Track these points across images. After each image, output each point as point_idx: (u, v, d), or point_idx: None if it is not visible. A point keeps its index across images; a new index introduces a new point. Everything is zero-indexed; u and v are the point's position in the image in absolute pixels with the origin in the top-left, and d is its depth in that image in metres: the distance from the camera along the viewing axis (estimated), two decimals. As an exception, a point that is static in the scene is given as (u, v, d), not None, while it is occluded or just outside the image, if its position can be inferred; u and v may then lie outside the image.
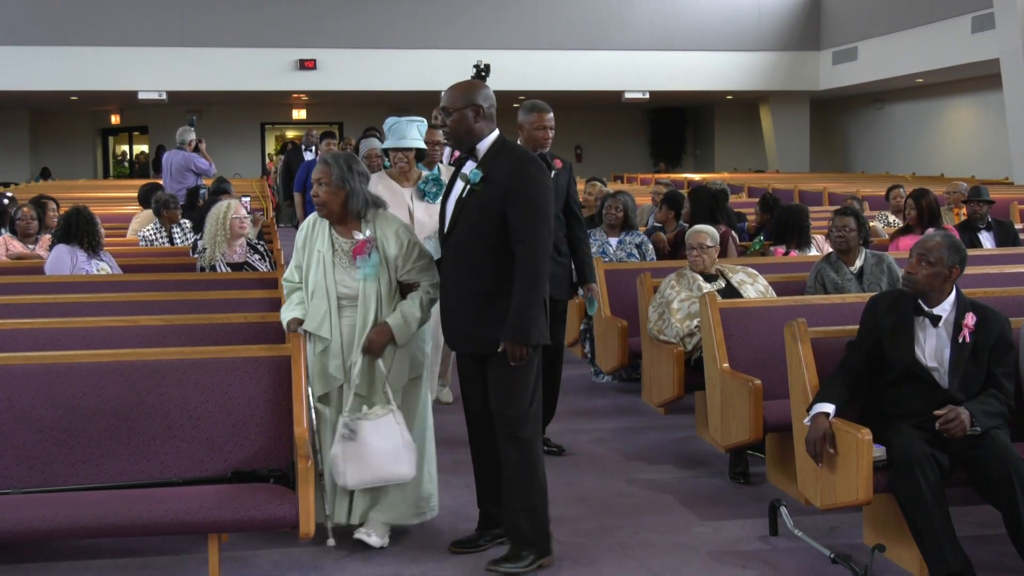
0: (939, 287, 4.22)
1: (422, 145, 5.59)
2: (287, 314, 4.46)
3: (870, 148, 27.55)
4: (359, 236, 4.34)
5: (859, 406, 4.31)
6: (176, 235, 8.50)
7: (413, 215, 5.54)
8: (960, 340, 4.18)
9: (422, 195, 5.57)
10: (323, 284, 4.37)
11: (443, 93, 4.24)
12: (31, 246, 7.79)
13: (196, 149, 11.67)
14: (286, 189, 13.91)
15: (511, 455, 4.19)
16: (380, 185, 5.47)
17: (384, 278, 4.35)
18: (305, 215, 9.54)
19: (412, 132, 5.50)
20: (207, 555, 4.01)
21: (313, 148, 13.31)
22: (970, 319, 4.18)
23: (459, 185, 4.23)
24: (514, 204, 4.06)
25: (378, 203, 4.45)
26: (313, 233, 4.45)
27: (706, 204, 7.73)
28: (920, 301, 4.26)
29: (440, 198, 5.28)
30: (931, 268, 4.20)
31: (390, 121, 5.51)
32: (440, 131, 6.35)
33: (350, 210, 4.34)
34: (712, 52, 24.75)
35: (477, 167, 4.17)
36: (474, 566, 4.31)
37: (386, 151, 5.70)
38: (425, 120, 5.67)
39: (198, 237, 7.32)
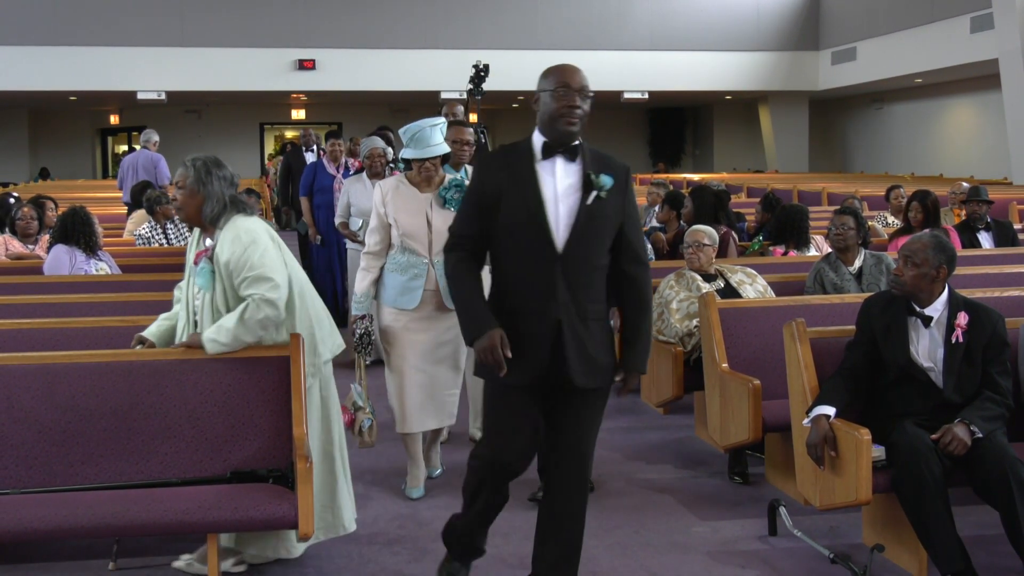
0: (927, 288, 4.22)
1: (447, 149, 5.17)
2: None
3: (869, 148, 27.56)
4: (208, 244, 4.15)
5: (859, 407, 4.32)
6: (170, 231, 8.50)
7: (432, 223, 5.07)
8: (953, 340, 4.18)
9: (443, 202, 5.09)
10: (184, 294, 4.28)
11: (575, 72, 3.71)
12: (31, 246, 7.79)
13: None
14: (284, 193, 12.78)
15: (581, 503, 3.75)
16: (397, 190, 5.12)
17: (220, 288, 4.09)
18: (314, 220, 9.40)
19: (436, 138, 5.09)
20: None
21: (314, 148, 12.94)
22: (962, 319, 4.19)
23: (556, 187, 3.55)
24: (630, 218, 3.67)
25: (243, 207, 4.18)
26: (191, 240, 4.33)
27: (709, 204, 7.72)
28: (911, 302, 4.26)
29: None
30: (917, 269, 4.20)
31: (412, 128, 5.08)
32: (468, 130, 5.89)
33: (205, 215, 4.12)
34: (711, 52, 24.76)
35: (598, 172, 3.62)
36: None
37: (409, 160, 5.20)
38: (444, 120, 5.29)
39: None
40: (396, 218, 5.07)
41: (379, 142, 7.82)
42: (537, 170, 3.57)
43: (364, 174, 7.83)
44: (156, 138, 11.97)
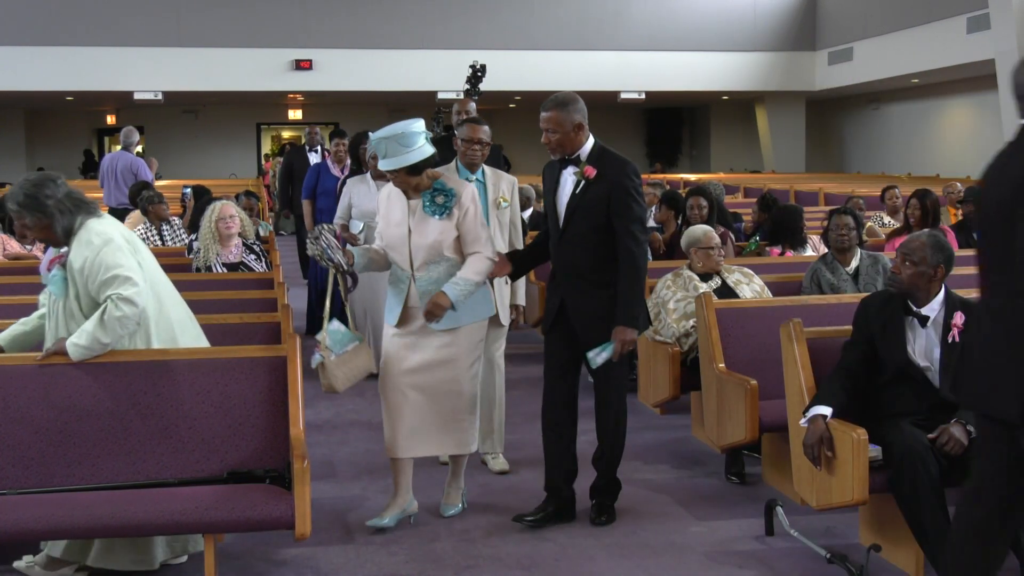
0: (924, 287, 4.23)
1: (410, 161, 4.52)
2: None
3: (866, 148, 27.58)
4: (61, 250, 4.12)
5: (856, 406, 4.32)
6: (166, 232, 8.48)
7: (412, 233, 4.65)
8: (949, 340, 4.18)
9: (424, 208, 4.63)
10: (47, 301, 4.23)
11: None
12: (28, 246, 7.78)
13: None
14: (284, 195, 12.22)
15: None
16: (390, 198, 4.76)
17: (73, 294, 4.06)
18: (315, 223, 9.17)
19: (392, 150, 4.49)
20: (203, 555, 4.01)
21: (319, 148, 12.53)
22: (958, 318, 4.19)
23: None
24: None
25: (88, 208, 4.11)
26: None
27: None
28: (908, 301, 4.27)
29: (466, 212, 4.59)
30: (915, 268, 4.21)
31: (372, 143, 4.60)
32: (484, 128, 5.37)
33: (59, 232, 4.07)
34: (708, 52, 24.76)
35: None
36: (470, 565, 4.31)
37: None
38: (419, 126, 4.59)
39: (193, 238, 7.34)
40: (380, 229, 4.81)
41: None
42: None
43: (368, 174, 7.64)
44: (137, 138, 12.02)
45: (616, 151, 4.71)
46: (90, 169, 27.87)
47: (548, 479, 4.85)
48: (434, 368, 4.70)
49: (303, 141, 13.61)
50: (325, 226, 4.62)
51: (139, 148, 12.84)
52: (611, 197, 4.55)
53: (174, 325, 4.28)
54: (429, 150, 4.58)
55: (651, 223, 8.89)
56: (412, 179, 4.61)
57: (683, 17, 24.67)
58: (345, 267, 4.62)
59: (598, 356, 4.55)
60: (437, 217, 4.61)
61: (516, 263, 4.93)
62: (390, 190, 4.78)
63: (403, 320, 4.70)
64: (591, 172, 4.58)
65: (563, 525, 4.75)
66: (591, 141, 4.66)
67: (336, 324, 4.72)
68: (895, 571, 4.24)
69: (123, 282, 3.98)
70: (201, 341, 4.39)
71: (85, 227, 4.07)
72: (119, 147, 12.04)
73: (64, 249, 4.10)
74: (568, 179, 4.67)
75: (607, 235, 4.58)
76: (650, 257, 7.54)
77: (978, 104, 22.81)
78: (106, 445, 4.06)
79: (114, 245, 4.03)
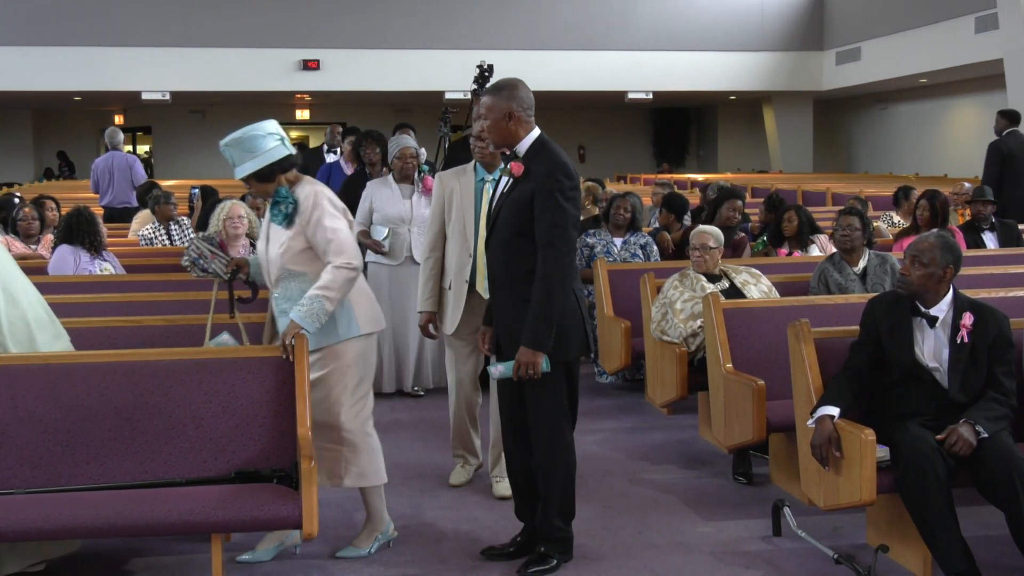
0: (934, 288, 4.22)
1: (253, 168, 4.28)
2: None
3: (873, 148, 27.53)
4: None
5: (863, 407, 4.31)
6: (174, 232, 8.49)
7: (269, 242, 4.33)
8: (958, 340, 4.17)
9: (274, 219, 4.27)
10: None
11: None
12: (33, 246, 7.79)
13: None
14: None
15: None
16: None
17: None
18: None
19: (237, 158, 4.30)
20: (210, 555, 4.01)
21: (338, 150, 12.37)
22: (967, 319, 4.18)
23: None
24: None
25: None
26: None
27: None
28: (917, 302, 4.26)
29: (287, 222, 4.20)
30: (924, 269, 4.20)
31: (222, 151, 4.33)
32: (405, 139, 5.03)
33: None
34: (715, 52, 24.74)
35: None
36: (476, 565, 4.31)
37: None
38: (264, 128, 4.40)
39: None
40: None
41: (411, 141, 7.30)
42: None
43: (391, 176, 7.41)
44: (121, 137, 12.27)
45: (558, 148, 4.16)
46: (69, 171, 27.87)
47: (518, 512, 4.43)
48: (314, 388, 4.27)
49: (324, 141, 13.48)
50: (199, 235, 4.51)
51: (127, 147, 12.98)
52: (534, 198, 4.01)
53: (31, 325, 4.21)
54: (280, 152, 4.22)
55: (655, 225, 8.90)
56: (266, 187, 4.24)
57: (690, 17, 24.65)
58: (224, 276, 4.48)
59: (495, 369, 4.12)
60: (283, 227, 4.23)
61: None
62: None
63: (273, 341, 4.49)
64: (517, 169, 4.07)
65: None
66: (533, 136, 4.13)
67: (226, 337, 4.56)
68: (903, 572, 4.23)
69: None
70: (61, 340, 4.33)
71: None
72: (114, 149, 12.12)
73: None
74: (504, 178, 4.21)
75: (531, 242, 4.02)
76: (658, 257, 7.57)
77: (986, 104, 22.73)
78: (113, 445, 4.07)
79: None
